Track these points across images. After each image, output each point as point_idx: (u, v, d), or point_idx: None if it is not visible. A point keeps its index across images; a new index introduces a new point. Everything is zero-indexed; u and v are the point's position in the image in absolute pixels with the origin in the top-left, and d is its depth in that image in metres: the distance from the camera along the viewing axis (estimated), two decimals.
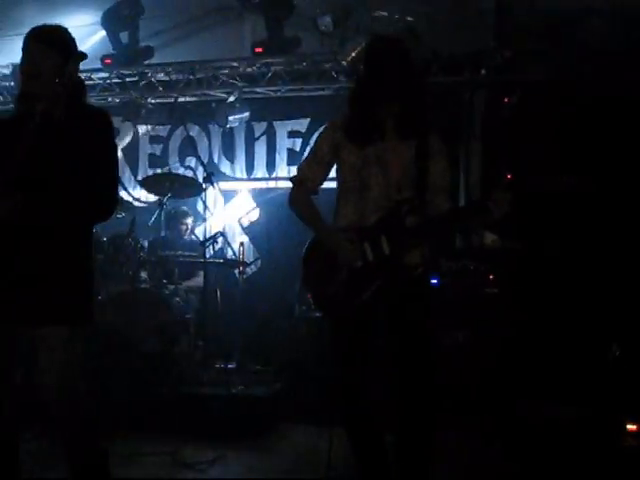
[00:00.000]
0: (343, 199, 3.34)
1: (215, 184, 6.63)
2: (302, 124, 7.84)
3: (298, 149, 7.80)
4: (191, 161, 7.95)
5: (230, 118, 7.57)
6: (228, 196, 8.06)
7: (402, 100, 3.21)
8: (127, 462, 4.34)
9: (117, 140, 7.99)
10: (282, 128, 7.96)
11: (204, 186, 6.48)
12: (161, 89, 7.83)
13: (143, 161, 8.34)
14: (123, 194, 7.85)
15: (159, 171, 7.88)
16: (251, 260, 7.57)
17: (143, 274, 6.41)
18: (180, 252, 6.65)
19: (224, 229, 7.46)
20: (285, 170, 7.77)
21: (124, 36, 7.51)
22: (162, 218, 6.68)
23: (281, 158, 7.93)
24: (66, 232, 2.96)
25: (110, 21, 7.38)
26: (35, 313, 2.88)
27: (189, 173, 7.64)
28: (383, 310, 3.26)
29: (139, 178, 7.92)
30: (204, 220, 6.67)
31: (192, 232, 7.41)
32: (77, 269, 3.01)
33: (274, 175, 7.94)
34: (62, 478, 3.03)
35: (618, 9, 5.70)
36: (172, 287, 6.43)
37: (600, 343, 5.82)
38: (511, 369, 5.17)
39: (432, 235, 3.34)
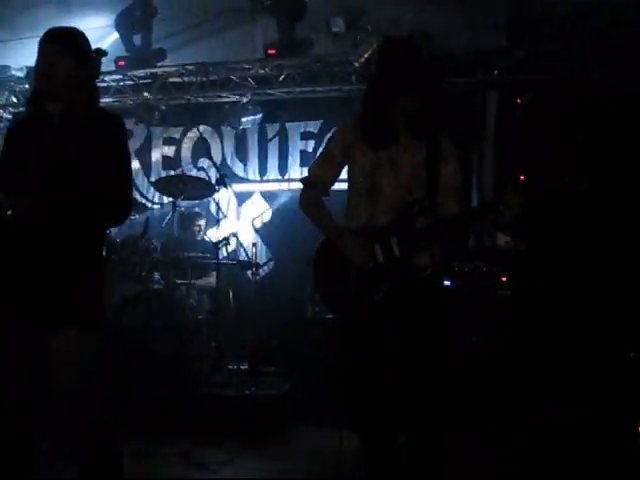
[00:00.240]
0: (354, 200, 3.33)
1: (228, 186, 6.65)
2: (315, 125, 7.86)
3: (311, 150, 7.81)
4: (204, 163, 7.96)
5: (243, 120, 7.60)
6: (241, 198, 8.08)
7: (414, 99, 3.20)
8: (140, 462, 4.35)
9: (130, 142, 8.02)
10: (295, 130, 7.97)
11: (217, 188, 6.50)
12: (174, 91, 7.87)
13: (156, 163, 8.37)
14: (137, 196, 7.89)
15: (172, 173, 7.90)
16: (264, 261, 7.59)
17: (156, 275, 6.45)
18: (193, 253, 6.67)
19: (237, 230, 7.47)
20: (298, 172, 7.77)
21: (137, 38, 7.54)
22: (175, 220, 6.70)
23: (294, 160, 7.95)
24: (79, 234, 2.97)
25: (123, 23, 7.42)
26: (48, 314, 2.89)
27: (202, 175, 7.65)
28: (393, 311, 3.26)
29: (152, 180, 7.95)
30: (217, 222, 6.69)
31: (205, 233, 7.44)
32: (90, 271, 3.02)
33: (287, 177, 7.95)
34: (75, 479, 3.04)
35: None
36: (185, 288, 6.45)
37: (613, 345, 5.80)
38: (524, 371, 5.14)
39: (443, 236, 3.33)
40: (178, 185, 6.63)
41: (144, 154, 8.35)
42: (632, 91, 6.21)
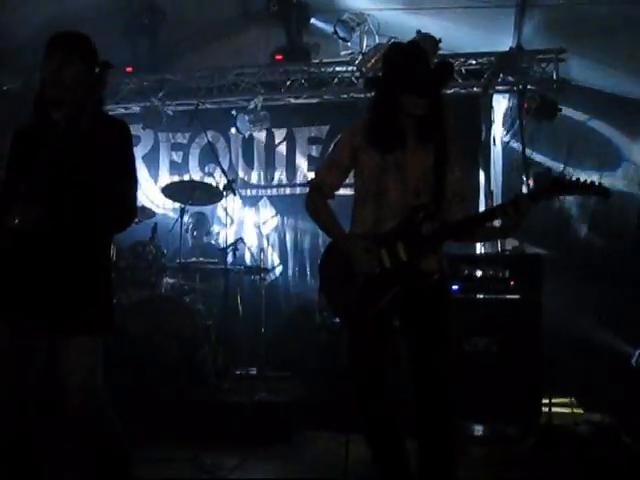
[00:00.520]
0: (360, 204, 3.33)
1: (236, 191, 6.66)
2: (322, 131, 7.88)
3: (318, 155, 7.83)
4: (212, 168, 7.98)
5: (250, 125, 7.60)
6: (248, 203, 8.09)
7: (421, 103, 3.19)
8: (148, 468, 4.34)
9: (138, 148, 8.09)
10: (302, 135, 7.99)
11: (225, 193, 6.51)
12: (182, 96, 7.89)
13: (164, 168, 8.39)
14: (144, 201, 7.91)
15: (180, 178, 7.92)
16: (271, 266, 7.60)
17: (164, 280, 6.46)
18: (201, 258, 6.68)
19: (244, 236, 7.49)
20: (305, 176, 7.78)
21: (145, 44, 7.57)
22: (183, 225, 6.71)
23: (301, 165, 7.96)
24: (86, 241, 2.97)
25: (131, 29, 7.44)
26: (55, 322, 2.90)
27: (210, 180, 7.67)
28: (400, 316, 3.26)
29: (160, 185, 7.97)
30: (225, 227, 6.69)
31: (213, 239, 7.46)
32: (97, 278, 3.02)
33: (294, 182, 7.96)
34: None
35: None
36: (193, 294, 6.46)
37: (623, 349, 5.79)
38: (532, 375, 5.13)
39: (449, 241, 3.33)
40: (186, 190, 6.65)
41: (152, 159, 8.37)
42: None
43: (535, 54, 6.81)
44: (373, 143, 3.27)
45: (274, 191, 8.08)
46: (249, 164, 8.15)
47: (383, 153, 3.25)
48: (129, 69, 7.64)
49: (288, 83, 7.60)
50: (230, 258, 6.47)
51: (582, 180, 3.11)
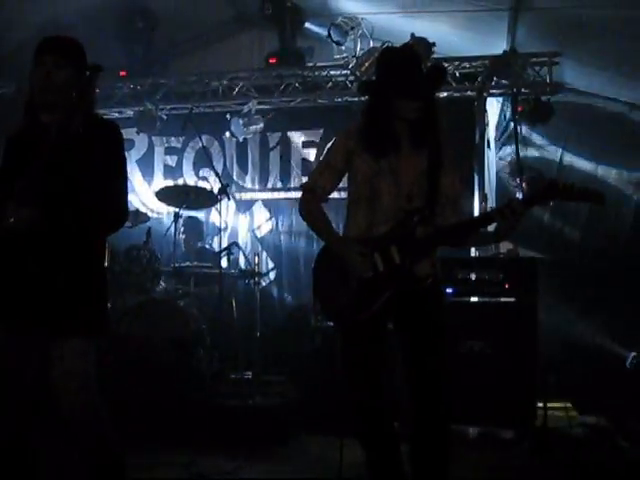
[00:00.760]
0: (353, 208, 3.33)
1: (230, 195, 6.66)
2: (316, 134, 7.87)
3: (312, 159, 7.83)
4: (206, 172, 7.98)
5: (244, 129, 7.60)
6: (243, 207, 8.09)
7: (414, 107, 3.20)
8: (143, 473, 4.34)
9: (132, 151, 8.08)
10: (296, 138, 7.99)
11: (219, 197, 6.50)
12: (176, 100, 7.89)
13: (158, 172, 8.38)
14: (138, 205, 7.90)
15: (174, 182, 7.92)
16: (266, 270, 7.59)
17: (159, 285, 6.44)
18: (196, 262, 6.68)
19: (239, 240, 7.48)
20: (299, 180, 7.78)
21: (139, 48, 7.56)
22: (177, 229, 6.70)
23: (295, 168, 7.96)
24: (80, 244, 2.97)
25: (125, 33, 7.44)
26: (49, 325, 2.90)
27: (204, 184, 7.66)
28: (394, 320, 3.26)
29: (154, 189, 7.95)
30: (219, 231, 6.69)
31: (207, 243, 7.45)
32: (91, 281, 3.02)
33: (288, 186, 7.95)
34: None
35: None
36: (188, 298, 6.45)
37: (618, 351, 5.80)
38: (527, 378, 5.14)
39: (443, 245, 3.34)
40: (180, 195, 6.64)
41: (146, 164, 8.36)
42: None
43: (529, 57, 6.82)
44: (367, 147, 3.27)
45: (268, 195, 8.08)
46: (243, 168, 8.15)
47: (377, 157, 3.25)
48: (123, 73, 7.63)
49: (282, 87, 7.59)
50: (224, 262, 6.46)
51: (577, 186, 3.10)
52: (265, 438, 5.20)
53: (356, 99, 7.07)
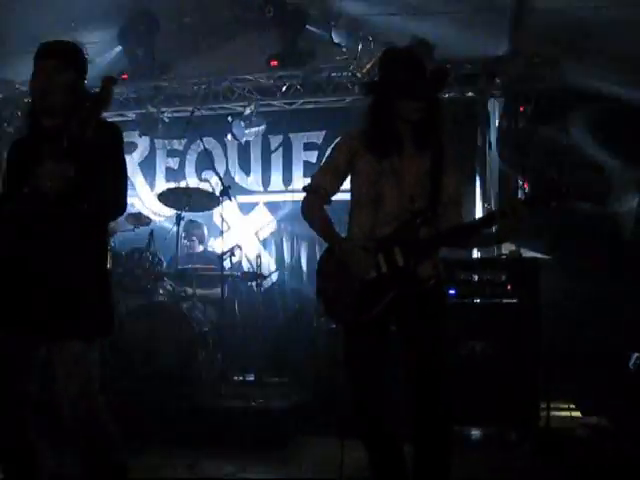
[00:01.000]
0: (356, 210, 3.33)
1: (232, 197, 6.66)
2: (318, 136, 7.88)
3: (314, 161, 7.83)
4: (208, 174, 7.97)
5: (246, 131, 7.61)
6: (245, 209, 8.10)
7: (415, 108, 3.20)
8: (145, 474, 4.34)
9: (134, 154, 8.09)
10: (298, 140, 8.00)
11: (221, 199, 6.50)
12: (177, 103, 7.90)
13: (160, 175, 8.40)
14: (141, 208, 7.91)
15: (176, 185, 7.92)
16: (268, 272, 7.59)
17: (161, 287, 6.45)
18: (198, 265, 6.68)
19: (241, 242, 7.49)
20: (301, 182, 7.75)
21: (140, 51, 7.57)
22: (180, 231, 6.71)
23: (297, 170, 7.97)
24: (83, 245, 2.99)
25: (126, 37, 7.45)
26: (53, 327, 2.90)
27: (206, 186, 7.66)
28: (397, 322, 3.26)
29: (156, 192, 7.97)
30: (221, 233, 6.69)
31: (209, 245, 7.45)
32: (95, 282, 3.03)
33: (290, 187, 7.96)
34: None
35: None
36: (190, 300, 6.45)
37: (620, 352, 5.79)
38: (530, 379, 5.13)
39: (446, 246, 3.34)
40: (182, 197, 6.65)
41: (148, 166, 8.38)
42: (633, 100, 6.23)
43: (531, 58, 6.81)
44: (370, 148, 3.27)
45: (270, 197, 8.08)
46: (245, 170, 8.16)
47: (380, 158, 3.25)
48: (124, 76, 7.62)
49: (284, 89, 7.60)
50: (227, 264, 6.47)
51: (578, 188, 3.09)
52: (267, 440, 5.20)
53: (358, 101, 7.07)
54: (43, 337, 2.94)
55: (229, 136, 7.86)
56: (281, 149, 8.06)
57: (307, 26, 7.31)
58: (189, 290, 6.48)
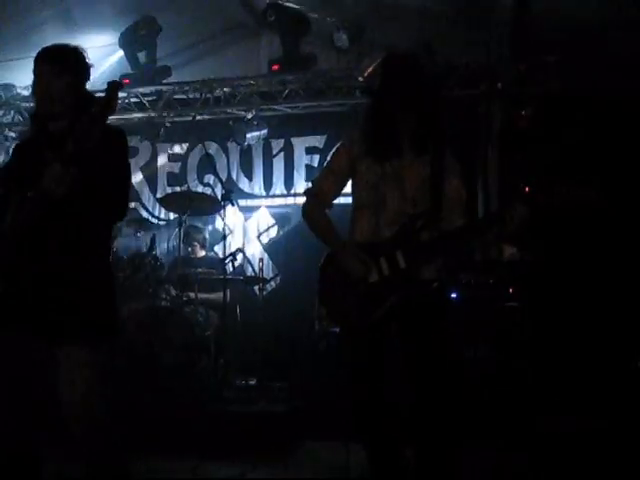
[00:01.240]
0: (358, 214, 3.34)
1: (234, 201, 6.66)
2: (319, 140, 7.88)
3: (316, 165, 7.83)
4: (210, 179, 7.98)
5: (248, 135, 7.61)
6: (247, 213, 8.10)
7: (418, 113, 3.22)
8: (147, 478, 4.34)
9: (136, 159, 8.10)
10: (300, 144, 7.99)
11: (223, 204, 6.51)
12: (179, 108, 7.91)
13: (162, 179, 8.40)
14: (142, 212, 7.92)
15: (178, 189, 7.93)
16: (270, 276, 7.59)
17: (163, 291, 6.45)
18: (200, 269, 6.68)
19: (243, 246, 7.49)
20: (303, 186, 7.78)
21: (142, 56, 7.58)
22: (181, 236, 6.71)
23: (299, 174, 7.96)
24: (87, 250, 2.99)
25: (128, 41, 7.47)
26: (58, 331, 2.91)
27: (208, 191, 7.67)
28: (399, 325, 3.25)
29: (158, 196, 7.98)
30: (223, 237, 6.69)
31: (211, 249, 7.45)
32: (99, 286, 3.03)
33: (292, 191, 7.96)
34: None
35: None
36: (192, 304, 6.45)
37: (622, 355, 5.78)
38: (532, 383, 5.13)
39: (448, 249, 3.34)
40: (184, 201, 6.65)
41: (150, 171, 8.38)
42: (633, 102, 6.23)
43: (531, 60, 6.81)
44: (370, 152, 3.29)
45: (272, 201, 8.09)
46: (247, 174, 8.16)
47: (381, 162, 3.26)
48: (126, 81, 7.64)
49: (285, 93, 7.61)
50: (229, 268, 6.47)
51: (578, 190, 3.10)
52: (269, 444, 5.19)
53: (360, 105, 7.07)
54: (47, 341, 2.93)
55: (231, 140, 7.87)
56: (283, 153, 8.06)
57: (308, 30, 7.33)
58: (191, 294, 6.48)
